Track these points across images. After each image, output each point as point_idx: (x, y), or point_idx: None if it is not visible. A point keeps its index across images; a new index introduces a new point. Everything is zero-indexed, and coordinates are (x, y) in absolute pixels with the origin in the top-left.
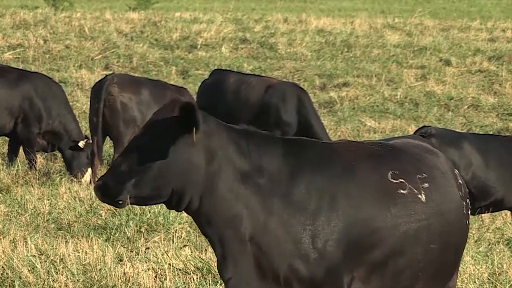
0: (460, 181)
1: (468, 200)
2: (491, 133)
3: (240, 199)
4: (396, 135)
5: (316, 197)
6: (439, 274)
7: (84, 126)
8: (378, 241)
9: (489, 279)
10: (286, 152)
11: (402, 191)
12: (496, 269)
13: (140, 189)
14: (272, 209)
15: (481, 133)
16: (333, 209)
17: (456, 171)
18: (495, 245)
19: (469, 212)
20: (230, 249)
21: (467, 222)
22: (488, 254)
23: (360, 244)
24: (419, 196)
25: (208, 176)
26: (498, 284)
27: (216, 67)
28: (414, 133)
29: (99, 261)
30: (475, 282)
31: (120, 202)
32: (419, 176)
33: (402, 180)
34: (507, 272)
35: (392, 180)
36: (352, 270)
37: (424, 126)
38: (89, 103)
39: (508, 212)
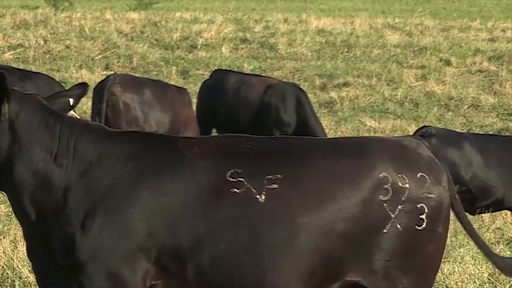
0: (388, 187)
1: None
2: (491, 133)
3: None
4: (396, 135)
5: (120, 187)
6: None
7: None
8: (197, 238)
9: (489, 279)
10: (104, 142)
11: (236, 190)
12: (496, 269)
13: None
14: (68, 201)
15: (481, 133)
16: (132, 202)
17: (393, 179)
18: (495, 245)
19: (400, 224)
20: (32, 231)
21: (383, 231)
22: None
23: (170, 238)
24: (257, 196)
25: (8, 156)
26: (498, 284)
27: (216, 67)
28: (414, 133)
29: None
30: (475, 282)
31: None
32: (270, 176)
33: (241, 179)
34: None
35: (230, 178)
36: (151, 263)
37: (424, 126)
38: (89, 103)
39: (508, 212)
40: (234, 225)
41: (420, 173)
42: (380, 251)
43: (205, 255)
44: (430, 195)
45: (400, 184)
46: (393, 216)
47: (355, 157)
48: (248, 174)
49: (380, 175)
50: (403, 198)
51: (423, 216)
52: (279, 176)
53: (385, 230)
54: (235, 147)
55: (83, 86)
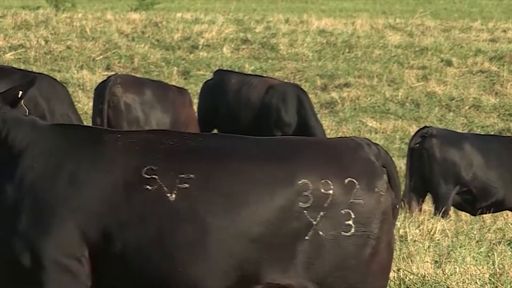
0: (308, 194)
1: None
2: (492, 133)
3: None
4: (397, 136)
5: (41, 181)
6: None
7: None
8: (111, 231)
9: (490, 279)
10: (33, 135)
11: (148, 187)
12: (498, 270)
13: None
14: None
15: (482, 133)
16: (52, 196)
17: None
18: (496, 245)
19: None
20: None
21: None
22: (490, 254)
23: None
24: (168, 195)
25: None
26: (500, 285)
27: (217, 68)
28: (415, 133)
29: None
30: (476, 282)
31: None
32: (182, 175)
33: (155, 177)
34: (508, 273)
35: (145, 175)
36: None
37: (425, 127)
38: (90, 103)
39: (510, 213)
40: (144, 222)
41: (349, 179)
42: (306, 258)
43: (117, 249)
44: (357, 201)
45: (322, 191)
46: (314, 223)
47: (277, 162)
48: (162, 172)
49: (300, 182)
50: (325, 205)
51: (350, 222)
52: (191, 176)
53: (307, 237)
54: (158, 143)
55: (33, 78)
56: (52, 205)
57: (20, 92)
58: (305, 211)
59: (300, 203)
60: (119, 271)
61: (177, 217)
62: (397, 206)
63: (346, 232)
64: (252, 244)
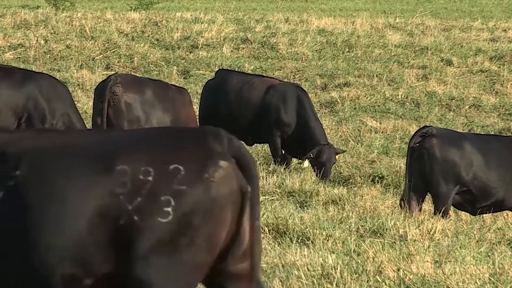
0: (126, 180)
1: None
2: (492, 133)
3: None
4: (397, 135)
5: None
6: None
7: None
8: None
9: (490, 279)
10: None
11: None
12: (498, 270)
13: None
14: None
15: (482, 133)
16: None
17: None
18: (496, 245)
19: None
20: None
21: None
22: (490, 254)
23: None
24: None
25: None
26: (500, 285)
27: (217, 67)
28: (415, 133)
29: None
30: (476, 282)
31: None
32: (15, 172)
33: None
34: (508, 273)
35: None
36: None
37: (426, 126)
38: (90, 103)
39: (510, 213)
40: None
41: (175, 165)
42: (123, 243)
43: None
44: (180, 188)
45: (141, 177)
46: (130, 208)
47: (99, 152)
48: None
49: (118, 167)
50: (143, 191)
51: (169, 209)
52: (17, 172)
53: (121, 222)
54: (22, 141)
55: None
56: None
57: None
58: (121, 197)
59: (117, 189)
60: None
61: (2, 213)
62: (255, 201)
63: (163, 219)
64: (74, 236)
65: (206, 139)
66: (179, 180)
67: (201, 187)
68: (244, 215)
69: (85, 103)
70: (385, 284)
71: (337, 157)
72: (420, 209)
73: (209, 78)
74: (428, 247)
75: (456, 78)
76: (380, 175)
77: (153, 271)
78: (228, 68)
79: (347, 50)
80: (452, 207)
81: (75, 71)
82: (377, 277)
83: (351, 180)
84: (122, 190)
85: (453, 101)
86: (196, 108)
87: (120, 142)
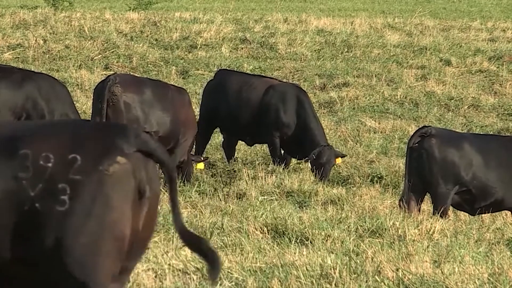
0: (29, 165)
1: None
2: (491, 133)
3: None
4: (396, 135)
5: None
6: None
7: None
8: None
9: (489, 279)
10: None
11: None
12: (496, 269)
13: None
14: None
15: (481, 133)
16: None
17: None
18: (495, 245)
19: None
20: None
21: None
22: (488, 254)
23: None
24: None
25: None
26: (498, 285)
27: (216, 67)
28: (414, 133)
29: None
30: (475, 282)
31: None
32: None
33: None
34: (507, 273)
35: None
36: None
37: (424, 126)
38: (88, 103)
39: (509, 213)
40: None
41: (73, 155)
42: (28, 230)
43: None
44: (75, 177)
45: (41, 163)
46: (32, 194)
47: (6, 136)
48: None
49: (21, 151)
50: (44, 177)
51: (65, 197)
52: None
53: (26, 208)
54: None
55: None
56: None
57: None
58: (24, 182)
59: (20, 173)
60: None
61: None
62: (174, 197)
63: (61, 207)
64: None
65: (108, 134)
66: (75, 169)
67: (95, 178)
68: (142, 211)
69: (83, 103)
70: (384, 284)
71: (337, 161)
72: (419, 209)
73: (210, 79)
74: (427, 247)
75: (455, 78)
76: (379, 175)
77: (56, 259)
78: (227, 68)
79: (346, 50)
80: (451, 207)
81: (74, 71)
82: (376, 277)
83: (350, 180)
84: (25, 175)
85: (452, 101)
86: (195, 108)
87: (26, 129)
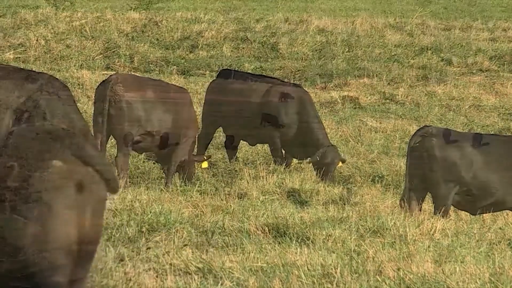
0: None
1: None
2: (492, 133)
3: None
4: (397, 135)
5: None
6: None
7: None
8: None
9: (490, 279)
10: None
11: None
12: (498, 269)
13: None
14: None
15: (482, 133)
16: None
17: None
18: (496, 245)
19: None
20: None
21: None
22: (490, 254)
23: None
24: None
25: None
26: (500, 284)
27: (217, 67)
28: (415, 132)
29: (100, 261)
30: (476, 282)
31: None
32: None
33: None
34: (508, 272)
35: None
36: None
37: (425, 126)
38: (90, 102)
39: (510, 212)
40: None
41: (12, 163)
42: None
43: None
44: (14, 184)
45: None
46: None
47: None
48: None
49: None
50: None
51: (6, 204)
52: None
53: None
54: None
55: None
56: None
57: None
58: None
59: None
60: None
61: None
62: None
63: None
64: None
65: (45, 139)
66: (13, 177)
67: (33, 184)
68: (86, 211)
69: (85, 103)
70: (385, 283)
71: (339, 164)
72: (420, 209)
73: (211, 78)
74: (428, 247)
75: (456, 78)
76: (380, 175)
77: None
78: (228, 68)
79: (347, 50)
80: (452, 207)
81: (75, 71)
82: (377, 276)
83: (351, 180)
84: None
85: (453, 101)
86: (197, 107)
87: None
